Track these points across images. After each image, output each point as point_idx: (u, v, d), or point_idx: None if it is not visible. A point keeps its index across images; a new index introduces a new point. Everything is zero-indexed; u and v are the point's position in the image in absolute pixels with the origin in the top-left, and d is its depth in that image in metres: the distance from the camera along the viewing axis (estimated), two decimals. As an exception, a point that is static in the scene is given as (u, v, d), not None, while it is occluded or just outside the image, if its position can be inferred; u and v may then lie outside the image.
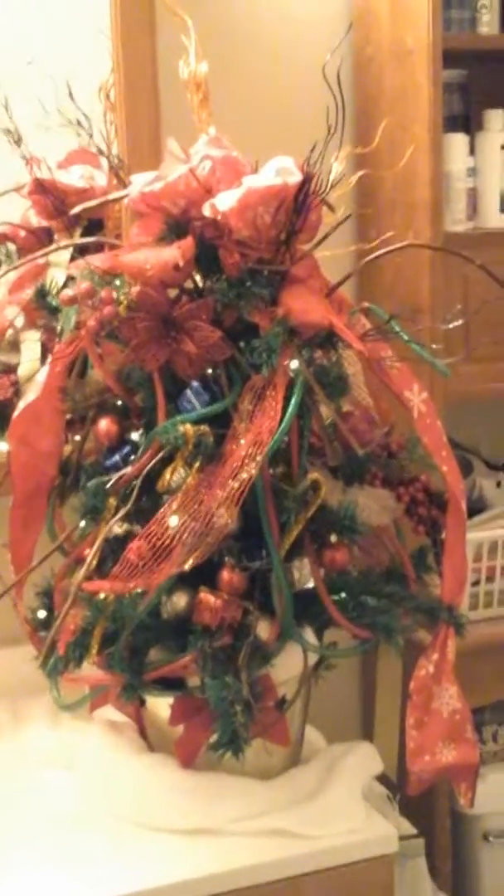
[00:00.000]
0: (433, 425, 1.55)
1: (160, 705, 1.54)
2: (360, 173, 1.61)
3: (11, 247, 1.86)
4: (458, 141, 2.11)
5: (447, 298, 2.02)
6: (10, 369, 1.78)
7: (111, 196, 1.64)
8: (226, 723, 1.38)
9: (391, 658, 1.64)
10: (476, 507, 2.22)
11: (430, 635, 1.59)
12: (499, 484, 2.31)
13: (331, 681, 1.63)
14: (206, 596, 1.42)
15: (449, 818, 2.15)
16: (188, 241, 1.44)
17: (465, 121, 2.19)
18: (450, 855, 2.16)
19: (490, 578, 2.15)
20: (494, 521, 2.19)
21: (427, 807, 2.09)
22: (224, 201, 1.41)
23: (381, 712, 1.68)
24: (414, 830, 1.84)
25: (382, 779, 1.68)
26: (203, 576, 1.43)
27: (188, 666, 1.44)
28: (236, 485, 1.36)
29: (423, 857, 1.87)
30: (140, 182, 1.48)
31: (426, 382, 1.62)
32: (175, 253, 1.42)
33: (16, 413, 1.58)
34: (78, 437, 1.59)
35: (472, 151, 2.14)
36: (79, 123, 1.55)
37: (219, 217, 1.42)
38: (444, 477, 1.54)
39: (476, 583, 2.13)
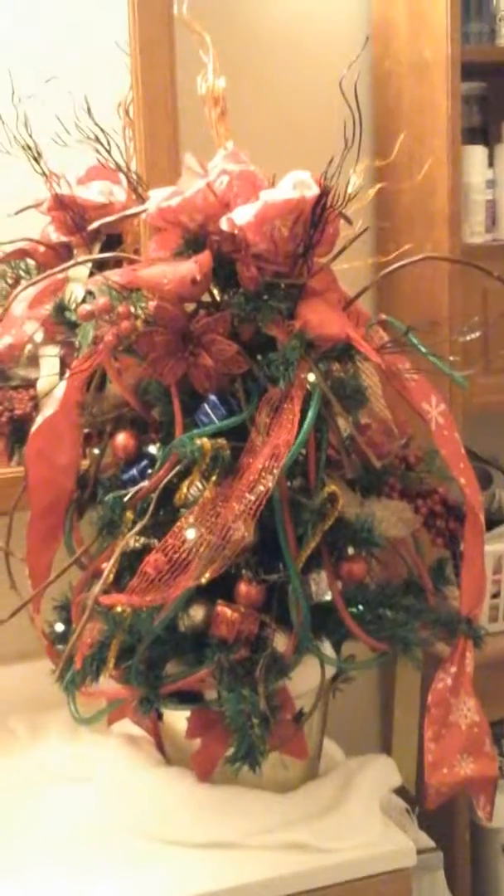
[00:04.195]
0: (451, 437, 1.54)
1: (177, 719, 1.54)
2: (379, 186, 1.61)
3: (31, 262, 1.87)
4: (477, 153, 2.11)
5: (466, 310, 2.02)
6: (30, 384, 1.79)
7: (129, 211, 1.64)
8: (243, 736, 1.38)
9: (409, 671, 1.63)
10: (496, 519, 2.21)
11: (448, 648, 1.59)
12: (519, 495, 2.30)
13: (349, 693, 1.63)
14: (224, 609, 1.42)
15: (468, 831, 2.13)
16: (205, 256, 1.44)
17: (484, 133, 2.19)
18: (469, 868, 2.15)
19: (510, 591, 2.14)
20: (514, 533, 2.18)
21: (446, 820, 2.08)
22: (241, 215, 1.42)
23: (399, 725, 1.68)
24: (432, 844, 1.83)
25: (401, 792, 1.68)
26: (220, 589, 1.43)
27: (205, 679, 1.44)
28: (253, 498, 1.36)
29: (441, 871, 1.86)
30: (158, 197, 1.49)
31: (444, 394, 1.62)
32: (192, 267, 1.43)
33: (34, 427, 1.59)
34: (96, 451, 1.59)
35: (490, 163, 2.13)
36: (97, 139, 1.56)
37: (236, 231, 1.42)
38: (462, 489, 1.54)
39: (496, 595, 2.12)
